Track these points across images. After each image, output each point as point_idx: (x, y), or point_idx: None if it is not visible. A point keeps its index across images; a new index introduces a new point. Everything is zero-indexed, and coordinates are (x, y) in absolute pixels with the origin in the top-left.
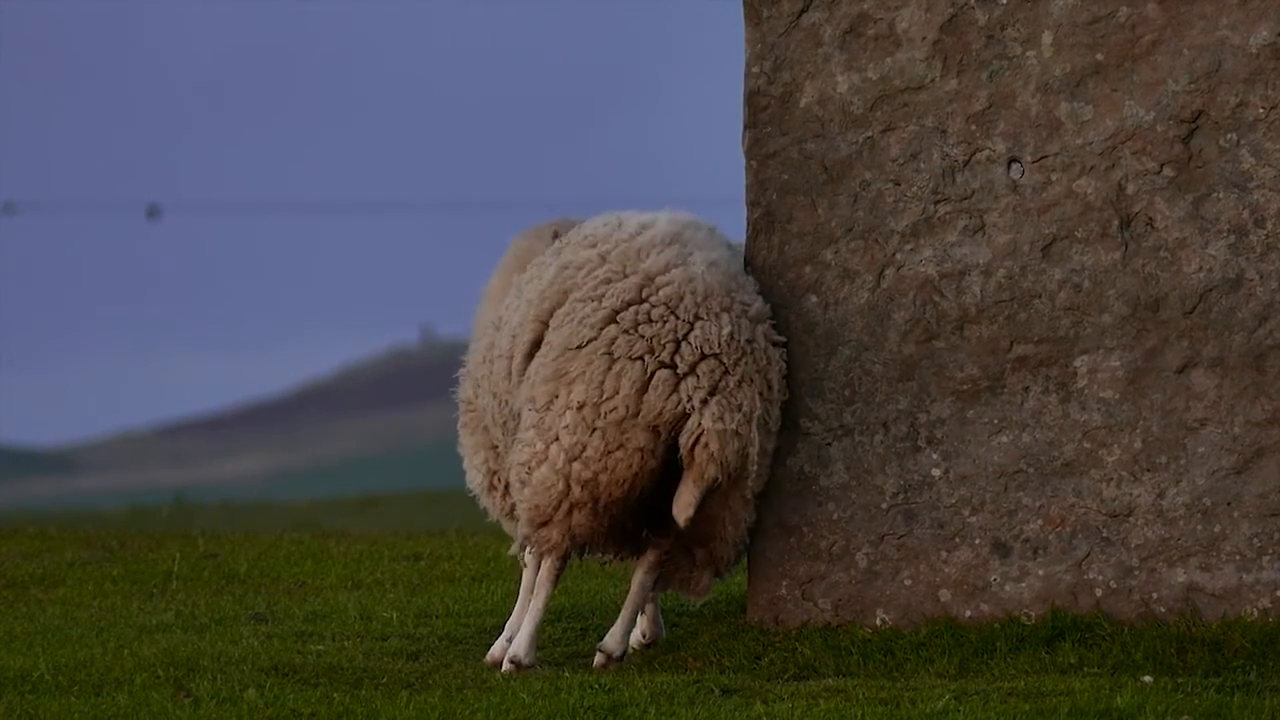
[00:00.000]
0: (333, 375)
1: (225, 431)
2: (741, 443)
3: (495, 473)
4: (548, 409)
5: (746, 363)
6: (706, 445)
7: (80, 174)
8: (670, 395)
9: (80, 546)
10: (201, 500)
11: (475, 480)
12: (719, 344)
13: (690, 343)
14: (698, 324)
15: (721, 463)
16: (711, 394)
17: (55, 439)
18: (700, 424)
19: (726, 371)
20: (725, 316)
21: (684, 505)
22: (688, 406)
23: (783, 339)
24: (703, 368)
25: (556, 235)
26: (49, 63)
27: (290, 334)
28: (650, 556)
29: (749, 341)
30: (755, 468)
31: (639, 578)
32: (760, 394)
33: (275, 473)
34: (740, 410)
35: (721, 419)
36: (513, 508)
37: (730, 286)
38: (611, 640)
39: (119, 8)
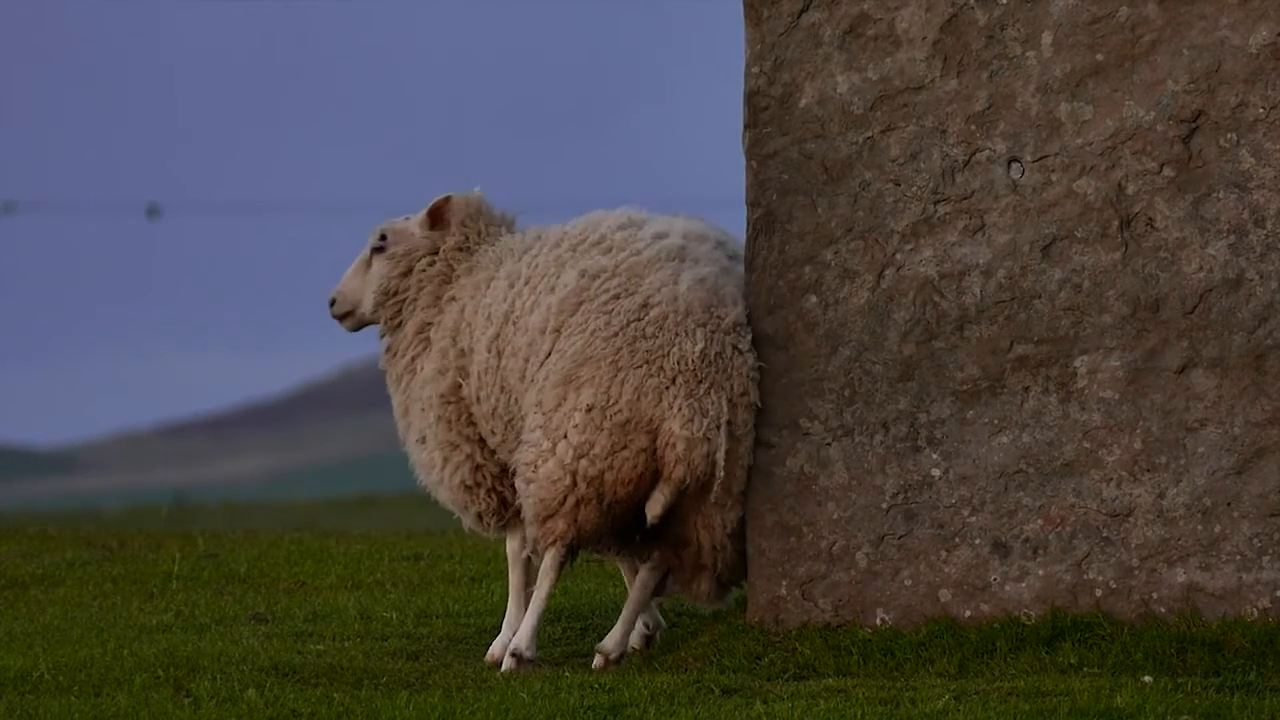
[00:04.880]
0: (333, 375)
1: (225, 431)
2: (709, 448)
3: (481, 467)
4: (556, 410)
5: (713, 372)
6: (674, 447)
7: (80, 174)
8: (658, 404)
9: (80, 546)
10: (201, 500)
11: (455, 476)
12: (692, 360)
13: (670, 357)
14: (676, 341)
15: (689, 464)
16: (685, 401)
17: (55, 439)
18: (671, 429)
19: (700, 382)
20: (700, 332)
21: (653, 503)
22: (667, 413)
23: (749, 348)
24: (680, 379)
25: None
26: (49, 63)
27: (290, 334)
28: (656, 555)
29: (718, 355)
30: (721, 473)
31: (642, 574)
32: (728, 400)
33: (275, 473)
34: (707, 416)
35: (690, 424)
36: (498, 505)
37: (710, 302)
38: (610, 641)
39: (119, 8)
